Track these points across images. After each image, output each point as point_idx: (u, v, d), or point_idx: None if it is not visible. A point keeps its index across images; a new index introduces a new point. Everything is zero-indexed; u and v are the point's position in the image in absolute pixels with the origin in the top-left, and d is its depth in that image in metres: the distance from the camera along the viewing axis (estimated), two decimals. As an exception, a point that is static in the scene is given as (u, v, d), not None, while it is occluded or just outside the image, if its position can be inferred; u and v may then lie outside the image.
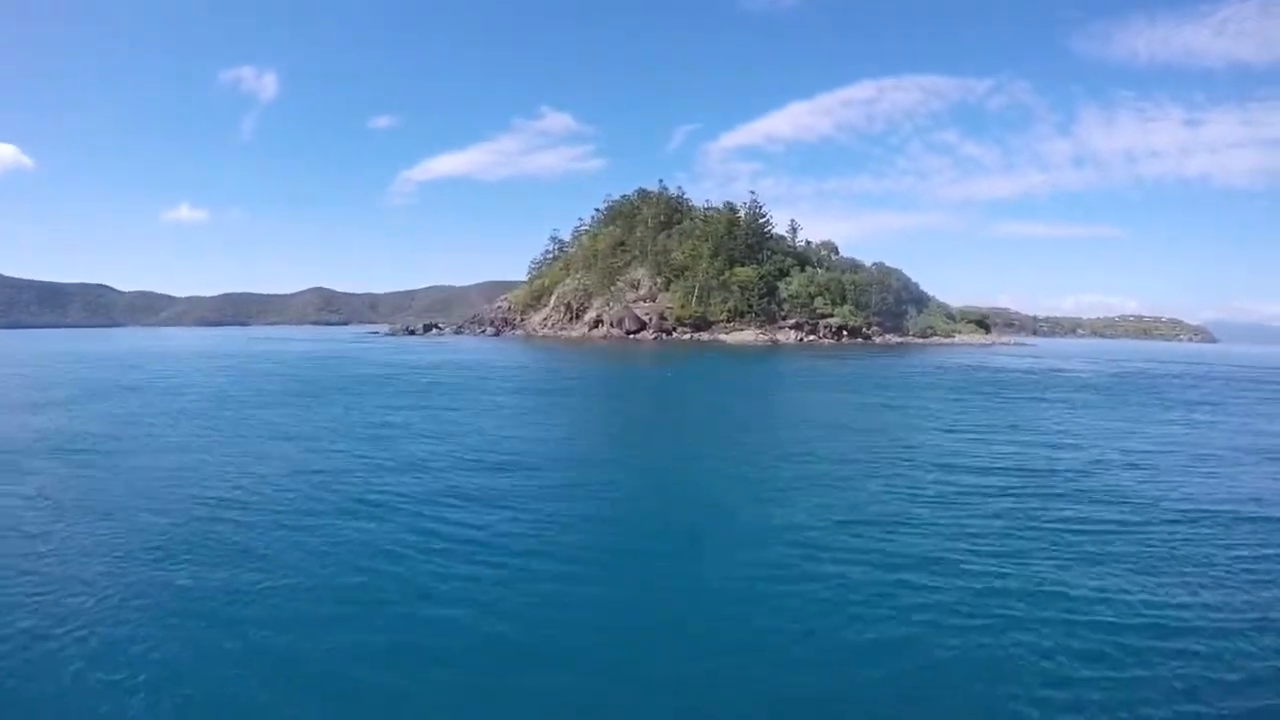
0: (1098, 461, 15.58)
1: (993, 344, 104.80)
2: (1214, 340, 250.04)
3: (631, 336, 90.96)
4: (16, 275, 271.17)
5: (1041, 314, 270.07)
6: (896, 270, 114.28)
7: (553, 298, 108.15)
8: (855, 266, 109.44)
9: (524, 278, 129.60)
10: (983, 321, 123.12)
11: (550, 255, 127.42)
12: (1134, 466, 15.13)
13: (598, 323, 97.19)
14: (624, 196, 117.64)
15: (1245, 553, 9.35)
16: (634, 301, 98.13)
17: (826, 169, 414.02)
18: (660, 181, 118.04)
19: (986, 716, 5.60)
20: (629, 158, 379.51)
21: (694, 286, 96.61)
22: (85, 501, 11.29)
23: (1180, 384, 39.03)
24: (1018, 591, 7.87)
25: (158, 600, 7.44)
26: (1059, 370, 49.13)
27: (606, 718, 5.62)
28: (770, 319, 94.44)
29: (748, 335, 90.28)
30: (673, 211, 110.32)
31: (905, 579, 8.17)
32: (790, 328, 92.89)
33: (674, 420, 23.97)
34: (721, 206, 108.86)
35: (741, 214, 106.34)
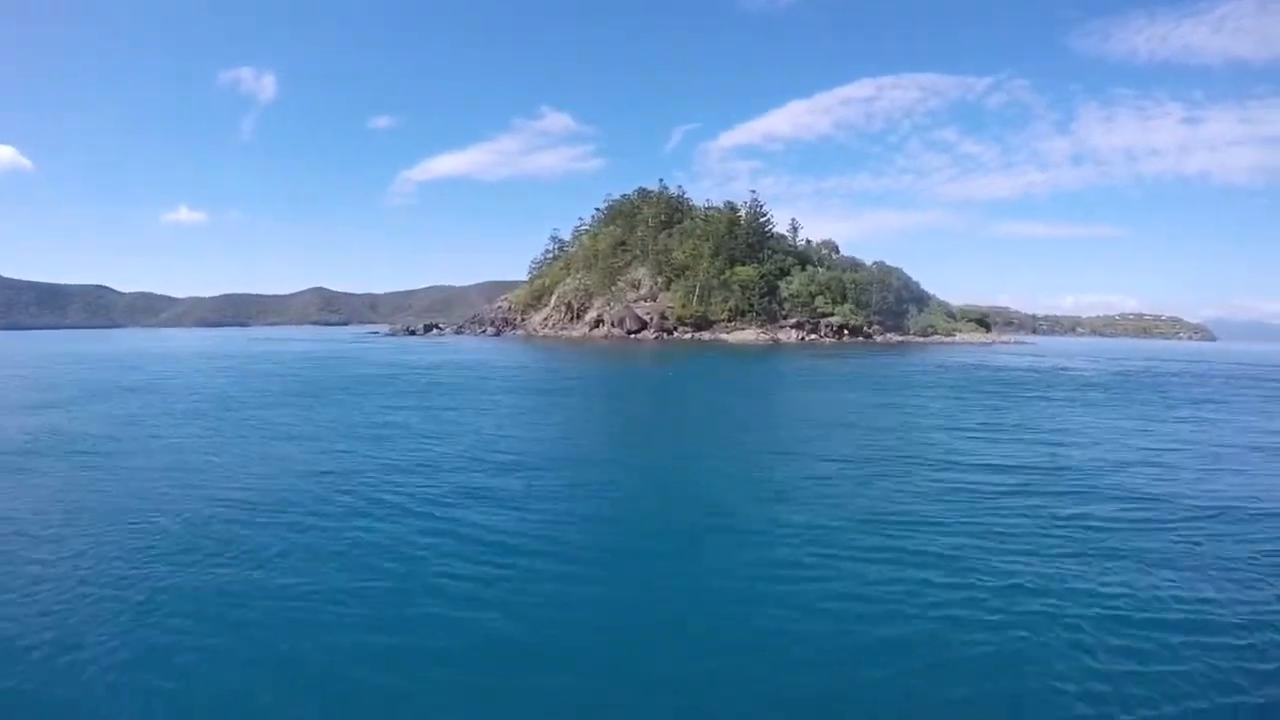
0: (1113, 459, 15.45)
1: (993, 343, 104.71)
2: (1213, 338, 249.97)
3: (632, 336, 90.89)
4: (16, 276, 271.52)
5: (1041, 312, 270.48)
6: (897, 269, 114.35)
7: (553, 298, 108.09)
8: (856, 265, 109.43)
9: (524, 277, 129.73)
10: (983, 320, 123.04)
11: (550, 255, 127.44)
12: (1150, 464, 15.02)
13: (598, 322, 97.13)
14: (624, 196, 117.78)
15: (1270, 548, 9.33)
16: (635, 301, 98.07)
17: (826, 168, 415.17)
18: (660, 181, 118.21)
19: (988, 716, 5.53)
20: (629, 157, 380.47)
21: (695, 286, 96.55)
22: (88, 503, 11.21)
23: (1183, 382, 38.93)
24: (1035, 590, 7.77)
25: (160, 600, 7.38)
26: (1062, 369, 49.03)
27: (607, 717, 5.58)
28: (771, 318, 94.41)
29: (749, 334, 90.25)
30: (673, 211, 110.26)
31: (910, 577, 8.09)
32: (791, 327, 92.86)
33: (674, 420, 23.88)
34: (722, 206, 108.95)
35: (742, 213, 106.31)
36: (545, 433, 18.84)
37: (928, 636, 6.68)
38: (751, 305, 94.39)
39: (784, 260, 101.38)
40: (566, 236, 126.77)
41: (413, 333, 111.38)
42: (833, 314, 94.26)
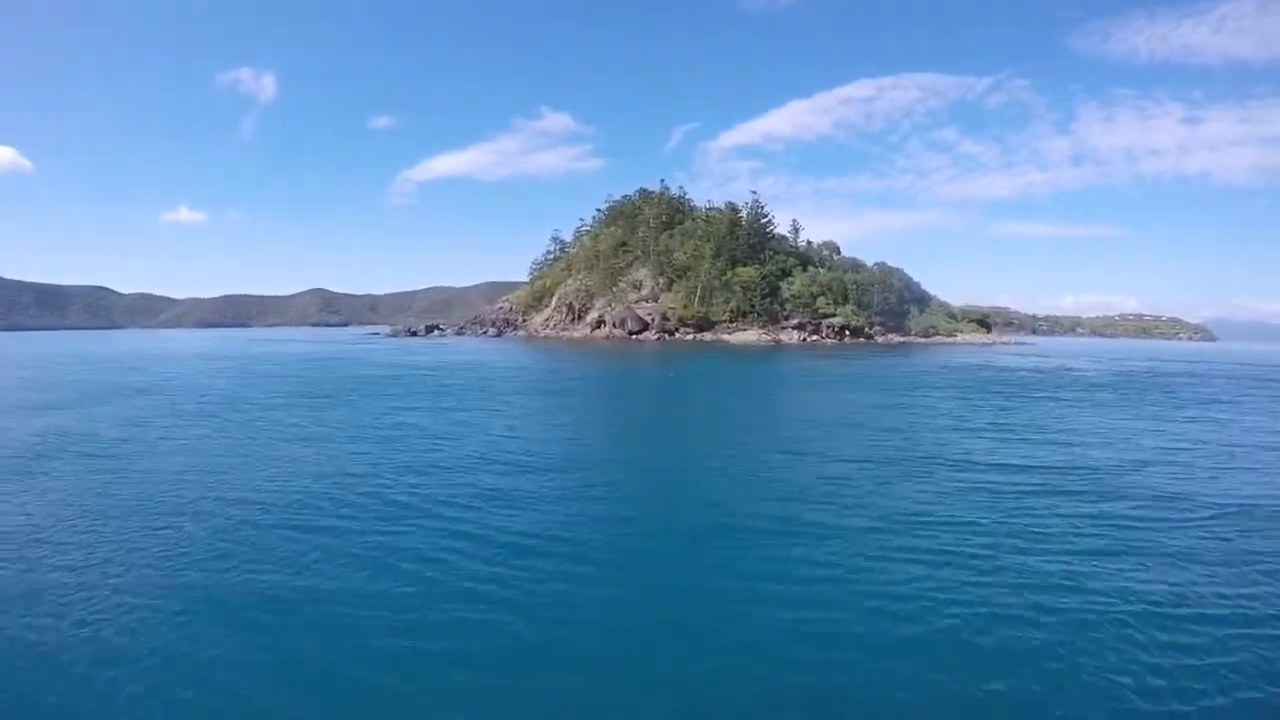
0: (1130, 459, 15.38)
1: (994, 343, 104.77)
2: (1213, 338, 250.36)
3: (634, 337, 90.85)
4: (16, 277, 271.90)
5: (1041, 313, 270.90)
6: (898, 270, 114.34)
7: (554, 298, 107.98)
8: (857, 266, 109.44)
9: (524, 278, 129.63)
10: (984, 321, 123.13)
11: (551, 255, 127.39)
12: (1166, 463, 14.97)
13: (600, 323, 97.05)
14: (625, 197, 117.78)
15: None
16: (636, 302, 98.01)
17: (826, 168, 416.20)
18: (661, 181, 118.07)
19: (992, 716, 5.47)
20: (628, 157, 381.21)
21: (696, 287, 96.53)
22: (93, 504, 11.13)
23: (1188, 383, 38.90)
24: (1071, 587, 7.69)
25: (166, 601, 7.31)
26: (1067, 369, 49.00)
27: (609, 717, 5.55)
28: (773, 319, 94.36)
29: (750, 335, 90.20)
30: (674, 211, 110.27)
31: (937, 575, 8.01)
32: (793, 328, 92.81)
33: (676, 420, 23.79)
34: (723, 206, 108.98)
35: (743, 214, 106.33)
36: (551, 434, 18.76)
37: (934, 637, 6.61)
38: (753, 306, 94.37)
39: (785, 261, 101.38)
40: (567, 237, 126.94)
41: (414, 334, 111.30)
42: (834, 315, 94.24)
